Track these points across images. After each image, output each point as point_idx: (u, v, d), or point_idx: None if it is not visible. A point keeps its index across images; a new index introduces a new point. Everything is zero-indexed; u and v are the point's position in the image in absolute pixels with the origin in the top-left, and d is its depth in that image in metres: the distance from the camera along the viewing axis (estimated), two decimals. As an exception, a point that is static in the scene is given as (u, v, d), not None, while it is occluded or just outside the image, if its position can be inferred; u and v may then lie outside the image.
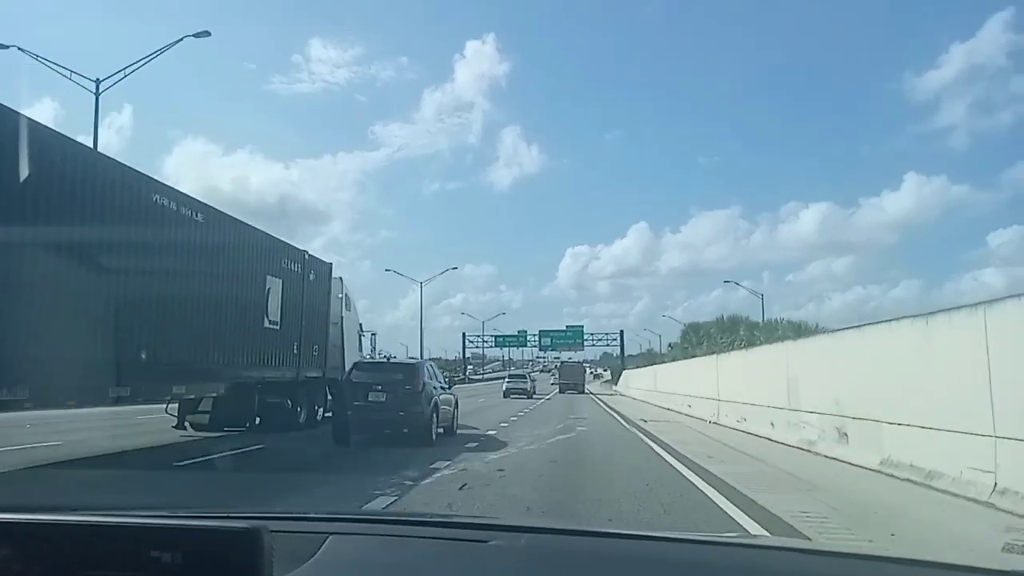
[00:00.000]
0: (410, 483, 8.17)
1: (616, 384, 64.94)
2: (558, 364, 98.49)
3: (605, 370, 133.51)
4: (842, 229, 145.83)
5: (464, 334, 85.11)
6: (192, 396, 13.42)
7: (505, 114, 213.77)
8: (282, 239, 15.28)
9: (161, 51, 23.42)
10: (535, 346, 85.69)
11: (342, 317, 18.41)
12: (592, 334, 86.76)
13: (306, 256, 16.11)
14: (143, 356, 10.00)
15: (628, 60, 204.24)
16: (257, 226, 14.20)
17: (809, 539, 5.37)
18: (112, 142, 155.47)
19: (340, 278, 18.51)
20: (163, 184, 10.95)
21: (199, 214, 11.58)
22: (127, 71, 23.25)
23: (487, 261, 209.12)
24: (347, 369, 15.46)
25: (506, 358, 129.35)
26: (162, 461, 10.55)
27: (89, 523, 0.72)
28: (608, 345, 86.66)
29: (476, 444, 13.18)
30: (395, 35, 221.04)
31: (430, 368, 14.94)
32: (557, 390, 55.14)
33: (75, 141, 9.25)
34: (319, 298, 16.76)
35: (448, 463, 9.93)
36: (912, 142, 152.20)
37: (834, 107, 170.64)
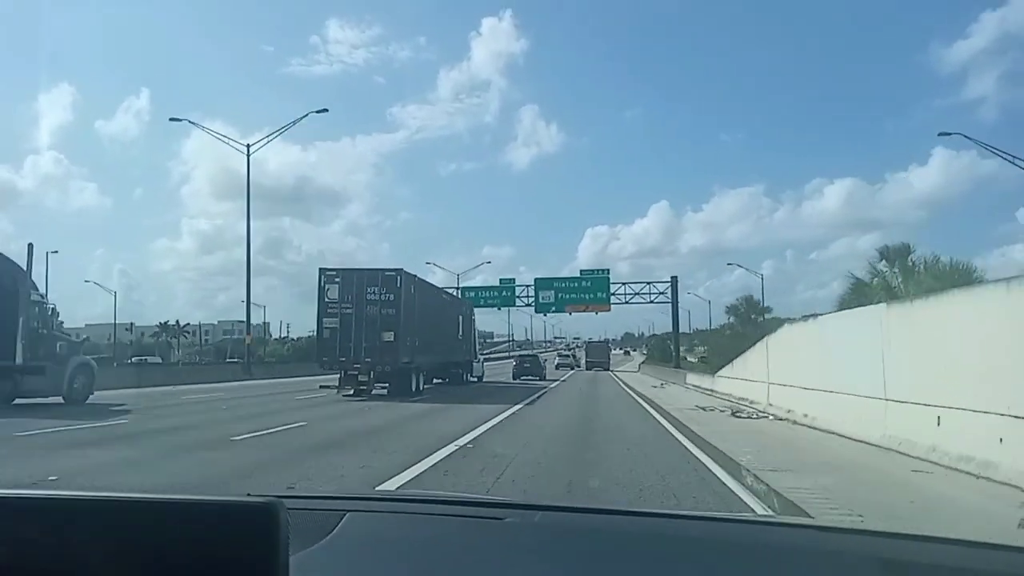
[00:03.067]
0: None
1: (710, 373, 26.65)
2: (579, 343, 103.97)
3: (632, 350, 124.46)
4: (868, 205, 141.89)
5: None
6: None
7: (523, 93, 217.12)
8: (461, 297, 33.97)
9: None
10: (528, 304, 54.07)
11: (474, 328, 36.80)
12: (625, 283, 54.63)
13: (468, 301, 34.68)
14: (429, 353, 27.97)
15: (648, 36, 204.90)
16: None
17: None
18: (130, 127, 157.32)
19: (473, 308, 36.95)
20: (443, 288, 29.42)
21: (447, 296, 29.97)
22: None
23: (506, 243, 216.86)
24: (478, 355, 34.89)
25: (522, 337, 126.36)
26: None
27: (105, 499, 0.74)
28: (652, 301, 53.66)
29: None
30: (412, 14, 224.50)
31: (539, 355, 38.48)
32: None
33: (429, 283, 27.68)
34: (470, 320, 35.06)
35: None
36: (940, 115, 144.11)
37: (860, 80, 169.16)
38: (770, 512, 5.83)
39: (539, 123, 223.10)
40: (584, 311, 54.71)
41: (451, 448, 9.95)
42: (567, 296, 51.95)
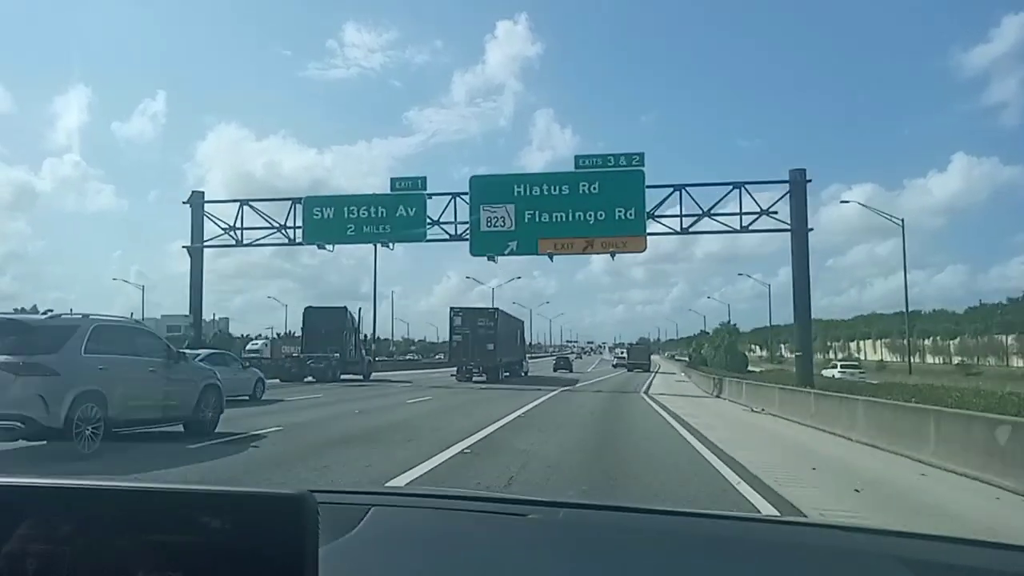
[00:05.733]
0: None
1: None
2: (595, 347, 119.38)
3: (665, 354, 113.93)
4: (886, 212, 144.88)
5: (198, 195, 29.25)
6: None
7: (538, 96, 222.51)
8: (520, 318, 49.95)
9: None
10: (460, 237, 27.05)
11: (523, 335, 52.65)
12: (680, 187, 25.82)
13: (522, 320, 50.71)
14: (506, 355, 43.86)
15: (666, 40, 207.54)
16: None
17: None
18: (146, 130, 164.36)
19: (523, 322, 52.76)
20: (511, 314, 45.35)
21: (514, 318, 45.99)
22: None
23: None
24: (526, 357, 50.96)
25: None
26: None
27: (135, 489, 0.76)
28: (745, 228, 25.91)
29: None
30: (429, 18, 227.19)
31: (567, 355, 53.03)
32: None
33: (507, 312, 43.78)
34: (523, 332, 50.92)
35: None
36: (961, 120, 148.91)
37: (879, 86, 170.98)
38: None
39: (554, 127, 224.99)
40: (585, 251, 26.53)
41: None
42: (545, 218, 25.64)
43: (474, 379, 36.49)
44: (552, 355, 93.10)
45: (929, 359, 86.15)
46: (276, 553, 0.70)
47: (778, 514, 5.68)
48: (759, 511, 6.25)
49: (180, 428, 10.69)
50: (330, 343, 31.92)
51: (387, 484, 7.11)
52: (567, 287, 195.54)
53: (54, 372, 8.26)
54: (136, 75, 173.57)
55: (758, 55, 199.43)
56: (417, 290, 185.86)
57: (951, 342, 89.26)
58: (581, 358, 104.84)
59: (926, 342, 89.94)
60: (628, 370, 58.48)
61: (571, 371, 55.52)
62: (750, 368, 45.34)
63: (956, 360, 76.48)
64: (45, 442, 8.36)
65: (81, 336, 8.74)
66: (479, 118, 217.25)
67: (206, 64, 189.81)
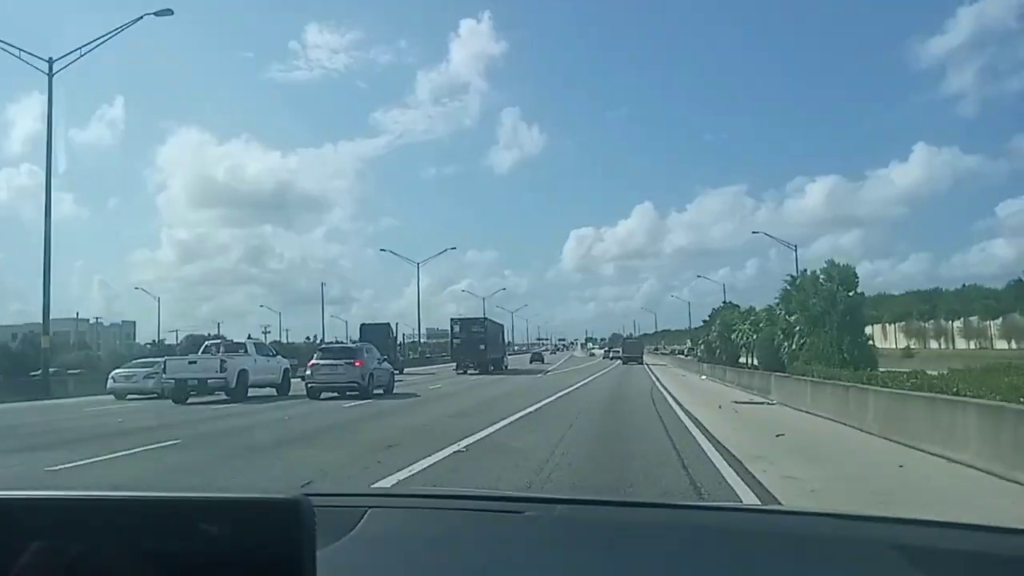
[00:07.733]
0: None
1: None
2: (566, 343, 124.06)
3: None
4: (849, 203, 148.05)
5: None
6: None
7: (504, 95, 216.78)
8: (500, 322, 62.53)
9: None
10: None
11: (504, 337, 64.89)
12: None
13: (502, 324, 63.18)
14: (493, 353, 56.03)
15: (630, 36, 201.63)
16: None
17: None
18: (104, 136, 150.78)
19: (503, 325, 65.11)
20: (496, 320, 57.82)
21: (498, 323, 58.17)
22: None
23: (490, 246, 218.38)
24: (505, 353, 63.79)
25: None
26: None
27: (132, 498, 0.76)
28: None
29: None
30: (392, 17, 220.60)
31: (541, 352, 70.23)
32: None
33: (493, 320, 56.14)
34: (503, 334, 62.91)
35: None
36: (919, 111, 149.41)
37: (839, 78, 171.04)
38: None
39: (520, 125, 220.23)
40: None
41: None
42: None
43: (469, 372, 48.25)
44: (521, 353, 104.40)
45: (960, 343, 78.85)
46: (274, 558, 0.70)
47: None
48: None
49: (382, 391, 22.44)
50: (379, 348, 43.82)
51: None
52: (537, 286, 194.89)
53: (364, 365, 20.51)
54: (93, 80, 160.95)
55: (721, 52, 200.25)
56: (388, 293, 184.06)
57: (991, 323, 78.22)
58: (554, 354, 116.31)
59: (956, 323, 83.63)
60: (623, 363, 62.62)
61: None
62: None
63: (1001, 344, 69.18)
64: (358, 393, 20.22)
65: (364, 349, 21.48)
66: (447, 118, 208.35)
67: (164, 66, 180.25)
